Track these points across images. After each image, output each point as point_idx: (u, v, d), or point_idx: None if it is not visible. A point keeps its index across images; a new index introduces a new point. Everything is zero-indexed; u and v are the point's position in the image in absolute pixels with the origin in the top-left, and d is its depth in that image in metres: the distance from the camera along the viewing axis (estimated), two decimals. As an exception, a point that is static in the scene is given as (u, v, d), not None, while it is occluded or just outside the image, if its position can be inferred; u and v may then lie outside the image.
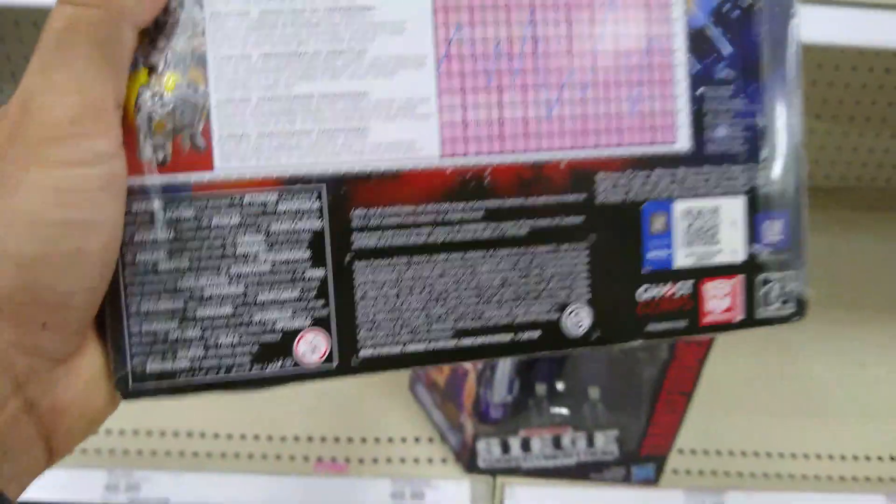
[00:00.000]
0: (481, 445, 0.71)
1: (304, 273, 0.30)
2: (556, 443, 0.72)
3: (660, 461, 0.73)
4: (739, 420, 0.80)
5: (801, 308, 0.34)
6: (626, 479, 0.73)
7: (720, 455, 0.78)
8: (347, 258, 0.31)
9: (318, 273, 0.30)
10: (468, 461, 0.73)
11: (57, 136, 0.26)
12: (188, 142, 0.29)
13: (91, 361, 0.28)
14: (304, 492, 0.71)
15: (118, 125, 0.28)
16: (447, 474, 0.73)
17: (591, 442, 0.72)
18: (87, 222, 0.26)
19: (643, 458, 0.72)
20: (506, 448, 0.72)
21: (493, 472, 0.72)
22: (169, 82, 0.29)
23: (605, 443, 0.73)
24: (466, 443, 0.73)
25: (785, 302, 0.34)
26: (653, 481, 0.73)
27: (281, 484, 0.71)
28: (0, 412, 0.26)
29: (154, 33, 0.29)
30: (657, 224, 0.33)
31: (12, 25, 0.97)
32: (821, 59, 1.01)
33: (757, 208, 0.34)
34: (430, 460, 0.75)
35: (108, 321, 0.29)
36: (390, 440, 0.76)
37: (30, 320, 0.26)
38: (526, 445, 0.72)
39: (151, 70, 0.29)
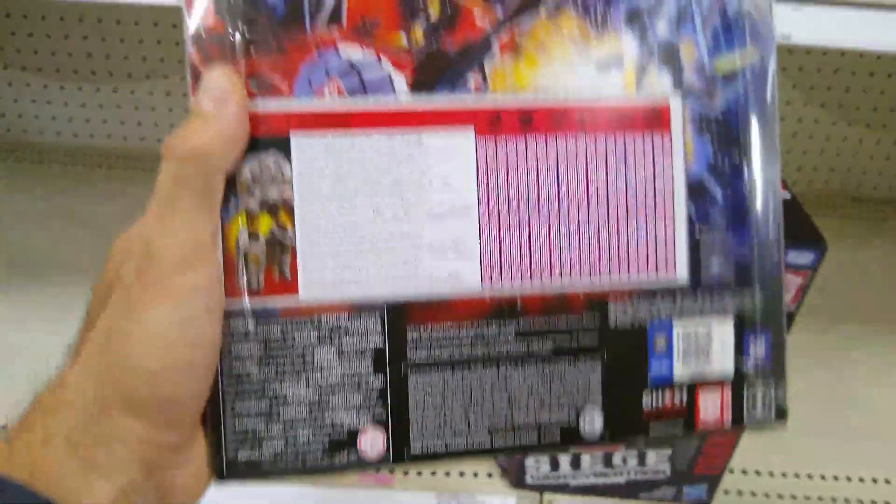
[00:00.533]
0: (530, 461, 0.70)
1: (367, 381, 0.37)
2: (607, 460, 0.70)
3: (713, 481, 0.71)
4: (794, 441, 0.75)
5: (781, 415, 0.40)
6: (677, 499, 0.70)
7: (773, 476, 0.76)
8: (403, 369, 0.37)
9: (379, 381, 0.37)
10: (516, 477, 0.72)
11: (173, 271, 0.33)
12: (277, 273, 0.36)
13: (199, 451, 0.35)
14: (349, 504, 0.70)
15: (218, 258, 0.35)
16: (493, 489, 0.72)
17: (642, 460, 0.69)
18: (196, 340, 0.33)
19: (696, 477, 0.70)
20: (555, 465, 0.70)
21: (541, 489, 0.71)
22: (262, 225, 0.36)
23: (657, 461, 0.70)
24: (515, 458, 0.71)
25: (768, 410, 0.40)
26: (705, 501, 0.72)
27: (326, 496, 0.70)
28: (138, 494, 0.32)
29: (251, 183, 0.36)
30: (659, 343, 0.39)
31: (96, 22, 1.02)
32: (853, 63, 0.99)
33: (744, 329, 0.40)
34: (475, 475, 0.74)
35: (209, 419, 0.36)
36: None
37: (157, 420, 0.33)
38: (576, 462, 0.70)
39: (248, 214, 0.36)
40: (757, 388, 0.40)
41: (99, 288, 0.34)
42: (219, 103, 0.34)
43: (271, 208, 0.36)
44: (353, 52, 0.37)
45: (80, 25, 1.01)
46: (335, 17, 0.37)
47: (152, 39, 1.01)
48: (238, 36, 0.36)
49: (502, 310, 0.38)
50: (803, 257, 0.64)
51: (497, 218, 0.38)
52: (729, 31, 0.40)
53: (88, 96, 1.00)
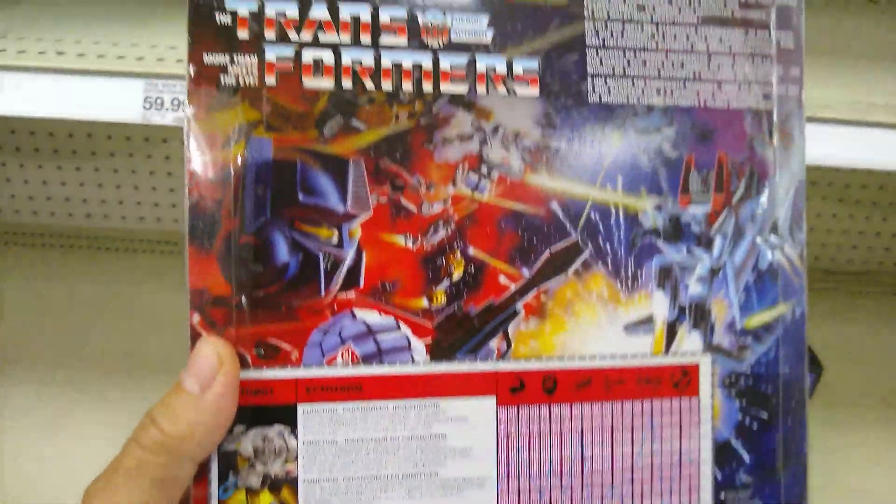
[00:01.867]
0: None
1: None
2: None
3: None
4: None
5: None
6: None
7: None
8: None
9: None
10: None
11: None
12: (276, 558, 0.33)
13: None
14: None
15: None
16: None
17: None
18: None
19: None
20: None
21: None
22: (263, 503, 0.33)
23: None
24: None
25: None
26: None
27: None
28: None
29: (253, 458, 0.33)
30: None
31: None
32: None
33: None
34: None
35: None
36: None
37: None
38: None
39: (248, 491, 0.33)
40: None
41: None
42: (204, 385, 0.31)
43: (273, 484, 0.33)
44: (369, 315, 0.34)
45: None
46: (352, 278, 0.34)
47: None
48: (245, 300, 0.33)
49: (518, 592, 0.35)
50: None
51: (517, 491, 0.35)
52: (762, 286, 0.38)
53: (50, 174, 0.95)
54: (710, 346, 0.37)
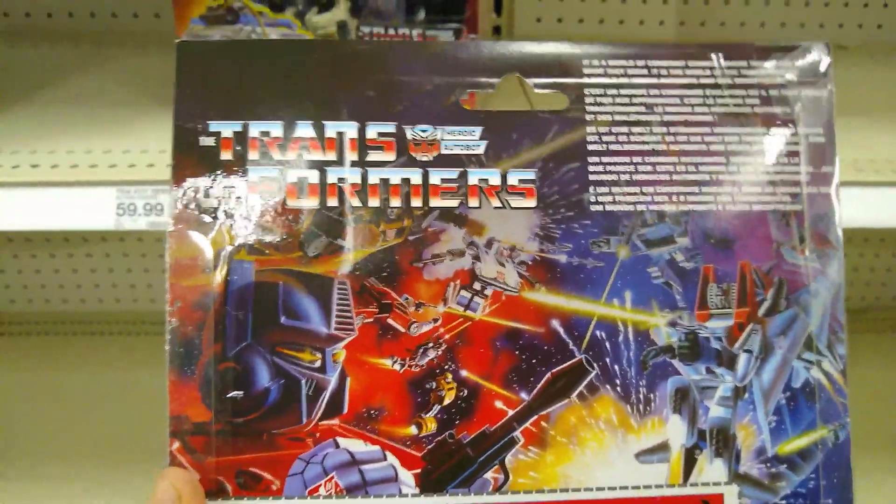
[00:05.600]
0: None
1: None
2: None
3: None
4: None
5: None
6: None
7: None
8: None
9: None
10: None
11: None
12: None
13: None
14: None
15: None
16: None
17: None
18: None
19: None
20: None
21: None
22: None
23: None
24: None
25: None
26: None
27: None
28: None
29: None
30: None
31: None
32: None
33: None
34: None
35: None
36: None
37: None
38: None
39: None
40: None
41: None
42: None
43: None
44: (353, 444, 0.32)
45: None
46: (336, 404, 0.32)
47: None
48: (226, 427, 0.31)
49: None
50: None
51: None
52: (797, 408, 0.34)
53: (43, 263, 0.97)
54: (736, 476, 0.34)
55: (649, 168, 0.35)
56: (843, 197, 0.36)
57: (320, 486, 0.32)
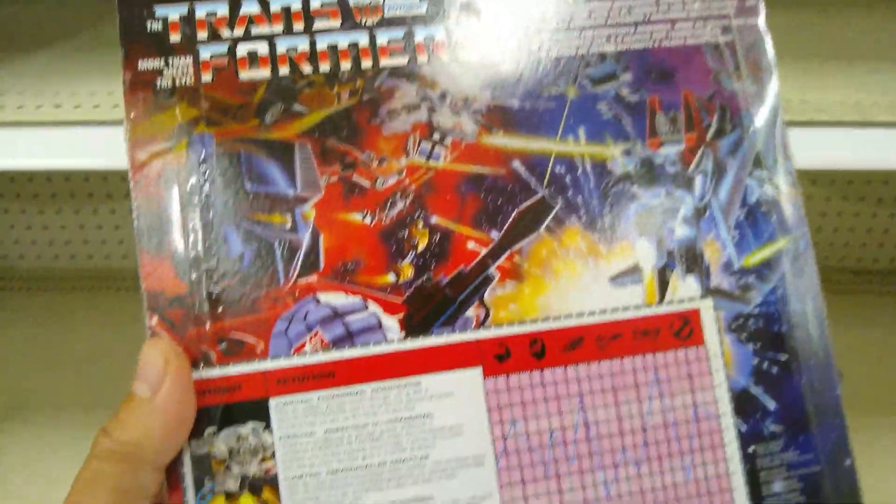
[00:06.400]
0: None
1: None
2: None
3: None
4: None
5: None
6: None
7: None
8: None
9: None
10: None
11: None
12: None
13: None
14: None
15: None
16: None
17: None
18: None
19: None
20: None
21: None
22: (245, 507, 0.31)
23: None
24: None
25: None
26: None
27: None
28: None
29: (228, 460, 0.31)
30: None
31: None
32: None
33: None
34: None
35: None
36: None
37: None
38: None
39: (228, 496, 0.31)
40: None
41: None
42: (154, 388, 0.30)
43: (253, 485, 0.31)
44: (334, 298, 0.32)
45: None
46: (312, 262, 0.33)
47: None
48: (203, 296, 0.32)
49: (535, 580, 0.32)
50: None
51: (518, 467, 0.33)
52: (756, 222, 0.35)
53: (31, 218, 0.96)
54: (708, 290, 0.35)
55: (585, 15, 0.36)
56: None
57: (305, 342, 0.32)
